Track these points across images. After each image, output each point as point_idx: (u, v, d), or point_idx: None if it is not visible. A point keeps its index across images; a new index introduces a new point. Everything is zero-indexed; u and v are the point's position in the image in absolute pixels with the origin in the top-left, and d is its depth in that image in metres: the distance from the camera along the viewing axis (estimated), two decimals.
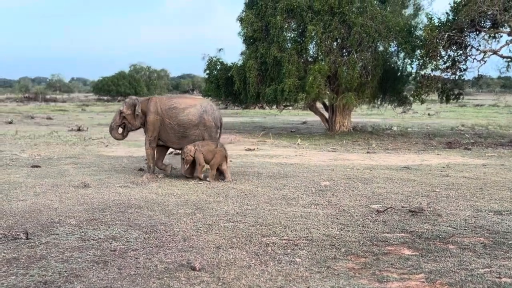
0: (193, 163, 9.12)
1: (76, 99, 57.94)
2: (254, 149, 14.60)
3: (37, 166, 10.48)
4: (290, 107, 26.46)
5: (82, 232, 5.62)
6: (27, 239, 5.30)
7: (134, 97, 10.02)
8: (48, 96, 57.51)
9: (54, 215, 6.33)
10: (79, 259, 4.69)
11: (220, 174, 9.19)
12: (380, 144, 16.26)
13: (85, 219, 6.18)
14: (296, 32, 20.27)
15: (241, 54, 21.47)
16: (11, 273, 4.32)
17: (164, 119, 9.49)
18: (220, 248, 5.05)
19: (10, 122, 23.75)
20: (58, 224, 5.92)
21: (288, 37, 19.96)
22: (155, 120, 9.52)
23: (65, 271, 4.37)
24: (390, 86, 20.78)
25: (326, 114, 21.75)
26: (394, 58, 20.99)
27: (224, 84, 21.71)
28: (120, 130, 9.97)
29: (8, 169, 10.19)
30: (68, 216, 6.29)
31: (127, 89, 57.31)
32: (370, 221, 6.16)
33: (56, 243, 5.20)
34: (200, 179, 9.00)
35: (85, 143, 15.53)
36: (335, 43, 19.43)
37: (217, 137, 9.66)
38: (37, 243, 5.19)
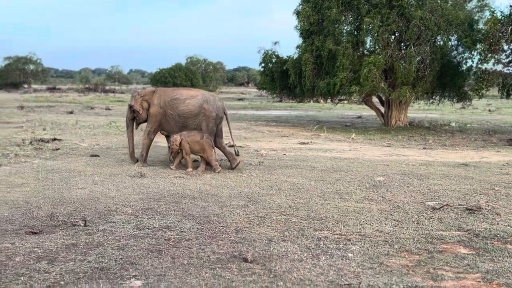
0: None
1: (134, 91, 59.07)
2: (308, 142, 14.55)
3: (95, 156, 10.76)
4: (345, 101, 26.21)
5: (138, 221, 5.74)
6: (85, 226, 5.45)
7: (139, 90, 10.35)
8: (107, 87, 58.87)
9: (111, 204, 6.49)
10: (134, 247, 4.79)
11: (206, 164, 9.35)
12: (437, 140, 15.91)
13: (140, 208, 6.31)
14: (352, 25, 20.03)
15: (297, 47, 21.40)
16: (70, 259, 4.46)
17: (166, 110, 9.72)
18: (272, 241, 5.06)
19: (71, 112, 24.42)
20: (114, 213, 6.07)
21: (344, 30, 19.75)
22: (157, 113, 9.77)
23: (121, 258, 4.48)
24: (449, 81, 20.23)
25: (382, 109, 21.45)
26: (453, 52, 20.46)
27: (279, 77, 21.71)
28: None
29: (68, 157, 10.50)
30: (124, 205, 6.44)
31: (183, 81, 57.99)
32: (425, 218, 6.05)
33: (112, 230, 5.33)
34: (189, 169, 9.16)
35: (142, 133, 15.80)
36: (392, 37, 19.12)
37: (214, 129, 9.69)
38: (94, 230, 5.34)
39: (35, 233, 5.20)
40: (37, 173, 8.56)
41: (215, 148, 9.52)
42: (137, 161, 9.98)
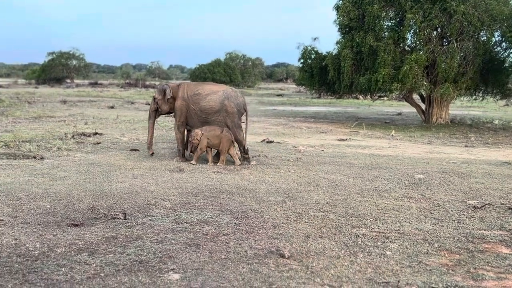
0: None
1: None
2: (346, 139, 14.45)
3: (135, 150, 10.91)
4: (385, 98, 25.91)
5: (176, 215, 5.79)
6: (125, 219, 5.53)
7: (164, 82, 10.45)
8: (147, 82, 59.52)
9: (150, 197, 6.57)
10: (172, 241, 4.84)
11: (233, 157, 9.50)
12: (480, 138, 15.60)
13: (179, 202, 6.37)
14: (394, 21, 19.79)
15: (336, 43, 21.26)
16: (109, 251, 4.53)
17: (189, 105, 9.81)
18: (309, 237, 5.05)
19: (112, 107, 24.78)
20: (154, 206, 6.14)
21: (385, 26, 19.52)
22: (182, 106, 9.85)
23: (160, 252, 4.53)
24: (492, 78, 19.78)
25: (423, 106, 21.13)
26: (497, 48, 20.00)
27: (318, 73, 21.61)
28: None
29: (109, 151, 10.67)
30: (163, 199, 6.50)
31: (222, 77, 58.24)
32: (466, 217, 5.94)
33: (151, 224, 5.40)
34: (193, 163, 9.33)
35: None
36: (434, 32, 18.81)
37: (240, 123, 9.81)
38: (134, 223, 5.41)
39: (76, 225, 5.30)
40: (79, 167, 8.72)
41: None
42: (153, 153, 10.17)
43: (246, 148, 9.80)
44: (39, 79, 60.32)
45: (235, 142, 9.56)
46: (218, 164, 9.34)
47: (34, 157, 9.50)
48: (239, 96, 9.94)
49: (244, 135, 9.88)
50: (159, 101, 10.11)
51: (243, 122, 10.12)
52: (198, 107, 9.73)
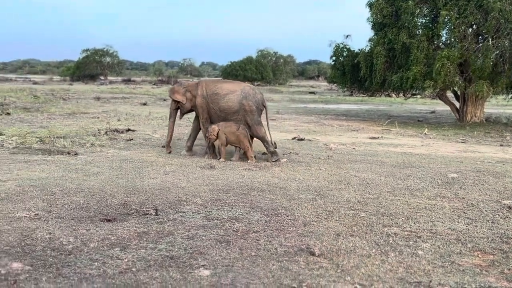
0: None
1: None
2: (378, 137, 14.33)
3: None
4: (418, 96, 25.62)
5: (207, 211, 5.82)
6: (156, 215, 5.58)
7: (180, 81, 10.65)
8: (179, 80, 59.96)
9: (182, 194, 6.61)
10: (203, 237, 4.87)
11: (243, 154, 9.59)
12: None
13: (210, 199, 6.40)
14: (428, 18, 19.53)
15: (369, 40, 21.10)
16: (141, 246, 4.58)
17: (208, 103, 9.88)
18: (340, 235, 5.02)
19: (145, 104, 25.03)
20: (185, 203, 6.18)
21: (419, 23, 19.29)
22: (202, 103, 9.93)
23: (190, 248, 4.56)
24: None
25: (457, 104, 20.82)
26: None
27: (350, 70, 21.49)
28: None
29: (141, 148, 10.78)
30: (194, 195, 6.54)
31: (254, 74, 58.37)
32: (501, 217, 5.84)
33: (182, 220, 5.44)
34: (221, 159, 9.44)
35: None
36: (470, 29, 18.50)
37: (259, 120, 9.80)
38: (165, 219, 5.45)
39: (109, 220, 5.36)
40: (112, 163, 8.83)
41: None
42: (170, 151, 10.25)
43: (273, 142, 9.86)
44: (74, 76, 61.30)
45: (250, 138, 9.58)
46: (248, 162, 9.34)
47: (68, 153, 9.65)
48: (257, 93, 9.95)
49: (267, 130, 9.89)
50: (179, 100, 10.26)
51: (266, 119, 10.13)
52: (217, 107, 9.80)
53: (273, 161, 9.43)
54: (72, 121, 15.89)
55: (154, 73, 76.85)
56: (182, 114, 10.55)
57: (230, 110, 9.72)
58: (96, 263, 4.14)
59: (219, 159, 9.50)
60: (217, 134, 9.43)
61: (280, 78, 64.16)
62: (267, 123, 10.01)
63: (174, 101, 10.35)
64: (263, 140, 9.74)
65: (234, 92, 9.77)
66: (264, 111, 10.00)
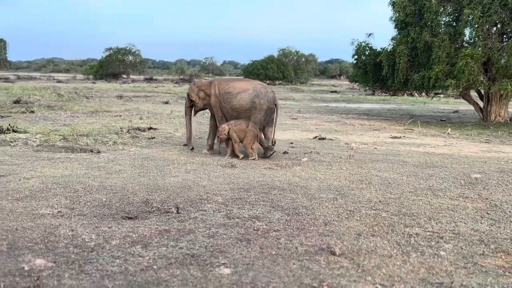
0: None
1: None
2: (400, 137, 14.23)
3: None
4: (441, 95, 25.38)
5: (228, 210, 5.83)
6: (178, 213, 5.61)
7: (195, 80, 10.85)
8: (195, 78, 60.17)
9: (203, 192, 6.64)
10: (224, 236, 4.88)
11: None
12: None
13: (231, 197, 6.42)
14: (451, 16, 19.32)
15: (392, 39, 20.95)
16: (162, 244, 4.61)
17: (221, 102, 10.00)
18: (361, 235, 5.00)
19: (166, 102, 25.15)
20: (206, 201, 6.20)
21: (442, 22, 19.09)
22: (216, 102, 10.08)
23: (211, 246, 4.58)
24: None
25: (481, 103, 20.57)
26: None
27: (372, 69, 21.34)
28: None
29: (163, 146, 10.84)
30: (215, 194, 6.56)
31: (275, 73, 58.32)
32: None
33: (203, 218, 5.46)
34: (238, 157, 9.49)
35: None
36: (494, 28, 18.26)
37: (262, 120, 9.87)
38: (186, 217, 5.48)
39: (131, 218, 5.41)
40: (133, 161, 8.90)
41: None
42: (192, 148, 10.40)
43: (273, 141, 9.99)
44: (97, 75, 61.91)
45: (259, 136, 9.66)
46: (250, 158, 9.45)
47: (91, 151, 9.74)
48: (268, 91, 10.01)
49: (274, 128, 10.02)
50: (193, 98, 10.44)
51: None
52: (229, 106, 9.91)
53: (267, 156, 9.61)
54: (95, 119, 16.04)
55: (176, 71, 77.19)
56: (195, 112, 10.74)
57: (242, 108, 9.81)
58: (117, 260, 4.18)
59: (230, 155, 9.61)
60: (228, 133, 9.50)
61: (302, 77, 64.04)
62: (275, 121, 10.10)
63: (189, 99, 10.55)
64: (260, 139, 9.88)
65: (246, 90, 9.86)
66: (275, 110, 10.06)
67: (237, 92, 9.86)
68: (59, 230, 4.91)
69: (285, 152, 10.30)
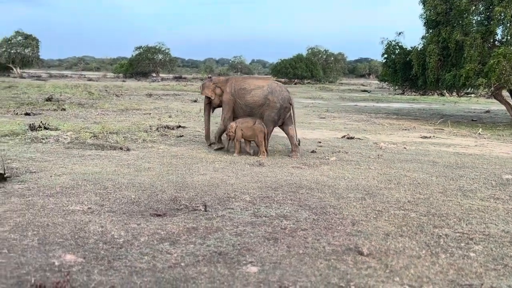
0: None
1: None
2: (430, 137, 14.07)
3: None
4: (472, 95, 25.01)
5: (255, 208, 5.84)
6: (205, 211, 5.64)
7: (212, 77, 11.08)
8: (211, 76, 60.28)
9: (230, 190, 6.66)
10: (251, 234, 4.89)
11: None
12: None
13: (258, 196, 6.42)
14: (483, 15, 19.03)
15: (422, 38, 20.72)
16: (190, 242, 4.64)
17: (236, 99, 10.09)
18: (389, 235, 4.96)
19: (195, 101, 25.23)
20: (233, 199, 6.22)
21: (473, 21, 18.81)
22: (229, 100, 10.17)
23: (238, 244, 4.59)
24: None
25: None
26: None
27: (402, 68, 21.15)
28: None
29: (191, 144, 10.90)
30: (243, 192, 6.58)
31: (304, 72, 58.12)
32: None
33: (231, 217, 5.47)
34: (235, 155, 9.61)
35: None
36: None
37: (275, 119, 9.88)
38: (214, 215, 5.51)
39: (159, 215, 5.45)
40: (162, 158, 8.97)
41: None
42: (210, 144, 10.57)
43: (298, 140, 10.08)
44: (127, 73, 62.48)
45: (266, 134, 9.74)
46: (259, 156, 9.53)
47: (121, 148, 9.85)
48: (283, 90, 10.04)
49: (294, 128, 10.05)
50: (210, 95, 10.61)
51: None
52: (243, 102, 10.00)
53: (262, 157, 9.53)
54: (125, 117, 16.19)
55: (205, 70, 77.53)
56: (213, 109, 10.90)
57: (255, 104, 9.90)
58: (146, 257, 4.22)
59: (234, 154, 9.69)
60: (235, 130, 9.63)
61: (330, 76, 63.70)
62: (294, 121, 10.11)
63: (206, 96, 10.70)
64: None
65: (261, 87, 9.96)
66: (291, 109, 10.10)
67: (252, 88, 9.98)
68: (89, 226, 4.98)
69: (313, 151, 10.27)
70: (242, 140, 9.84)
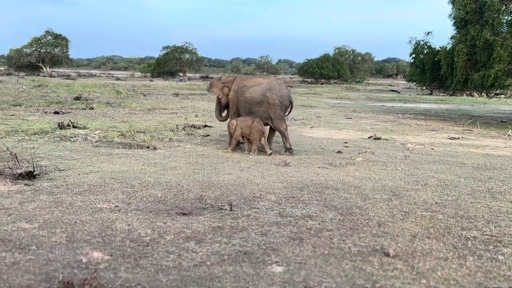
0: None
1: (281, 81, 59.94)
2: (458, 138, 13.89)
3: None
4: (502, 95, 24.61)
5: (281, 208, 5.84)
6: (231, 210, 5.65)
7: (220, 76, 11.18)
8: (220, 75, 60.38)
9: (256, 190, 6.66)
10: (276, 234, 4.89)
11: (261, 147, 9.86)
12: None
13: (284, 196, 6.42)
14: None
15: (451, 38, 20.47)
16: (215, 241, 4.65)
17: (238, 96, 10.23)
18: (415, 237, 4.92)
19: None
20: (259, 199, 6.22)
21: (504, 20, 18.52)
22: (233, 98, 10.34)
23: (263, 244, 4.59)
24: None
25: None
26: None
27: (430, 68, 20.90)
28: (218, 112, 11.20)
29: (217, 144, 10.94)
30: (268, 192, 6.58)
31: (330, 72, 57.90)
32: None
33: (256, 216, 5.48)
34: (229, 151, 9.80)
35: (288, 123, 16.02)
36: None
37: (282, 115, 9.99)
38: (239, 215, 5.52)
39: (185, 214, 5.48)
40: (188, 157, 9.01)
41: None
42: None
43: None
44: (154, 72, 62.94)
45: (265, 132, 9.82)
46: (249, 153, 9.68)
47: (148, 147, 9.93)
48: (283, 88, 10.12)
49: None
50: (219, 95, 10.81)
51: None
52: (243, 98, 10.14)
53: (269, 154, 9.62)
54: (152, 116, 16.32)
55: (231, 70, 77.74)
56: (222, 109, 11.07)
57: (254, 101, 10.01)
58: (172, 255, 4.25)
59: (229, 150, 9.93)
60: (235, 128, 9.77)
61: (357, 76, 63.35)
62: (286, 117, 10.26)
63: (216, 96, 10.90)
64: (283, 135, 10.00)
65: (260, 84, 10.09)
66: (290, 108, 10.23)
67: (251, 85, 10.12)
68: (116, 224, 5.03)
69: (339, 152, 10.22)
70: (242, 139, 10.01)
